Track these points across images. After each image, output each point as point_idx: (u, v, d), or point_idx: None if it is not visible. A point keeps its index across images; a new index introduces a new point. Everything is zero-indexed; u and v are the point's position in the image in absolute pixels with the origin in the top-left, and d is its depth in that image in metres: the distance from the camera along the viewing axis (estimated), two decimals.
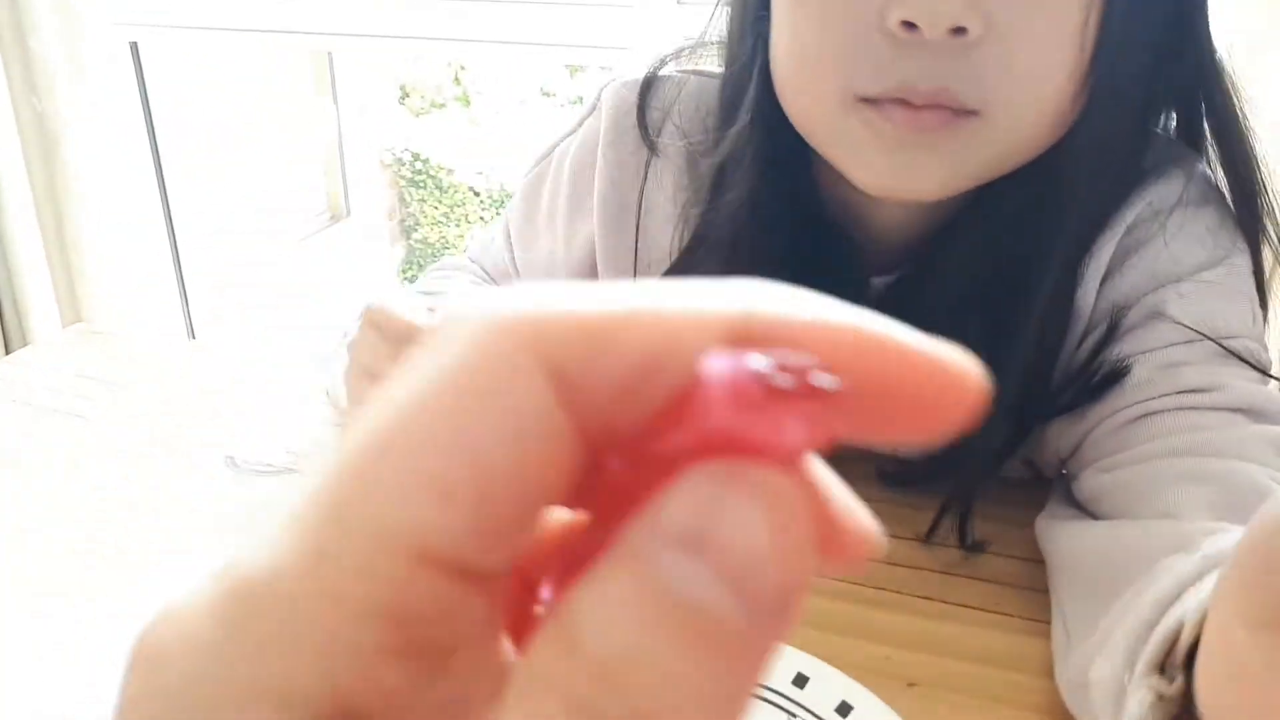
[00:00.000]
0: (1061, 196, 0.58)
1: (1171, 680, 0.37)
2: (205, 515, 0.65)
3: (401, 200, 3.23)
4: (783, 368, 0.14)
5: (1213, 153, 0.61)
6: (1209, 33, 0.58)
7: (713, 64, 0.71)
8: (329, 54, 2.58)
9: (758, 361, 0.14)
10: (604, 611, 0.13)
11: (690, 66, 0.72)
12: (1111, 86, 0.54)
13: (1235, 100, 0.59)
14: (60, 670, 0.52)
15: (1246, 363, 0.55)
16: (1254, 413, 0.52)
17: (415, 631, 0.13)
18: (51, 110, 1.60)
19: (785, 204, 0.63)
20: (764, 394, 0.14)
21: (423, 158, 3.08)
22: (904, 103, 0.53)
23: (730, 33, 0.65)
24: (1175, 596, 0.40)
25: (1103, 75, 0.54)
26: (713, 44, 0.70)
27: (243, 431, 0.74)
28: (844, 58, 0.53)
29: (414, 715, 0.14)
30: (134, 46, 1.74)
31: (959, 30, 0.50)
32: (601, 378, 0.14)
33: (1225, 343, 0.55)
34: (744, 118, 0.63)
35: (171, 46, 1.83)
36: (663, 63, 0.72)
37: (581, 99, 0.84)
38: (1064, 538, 0.56)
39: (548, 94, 2.56)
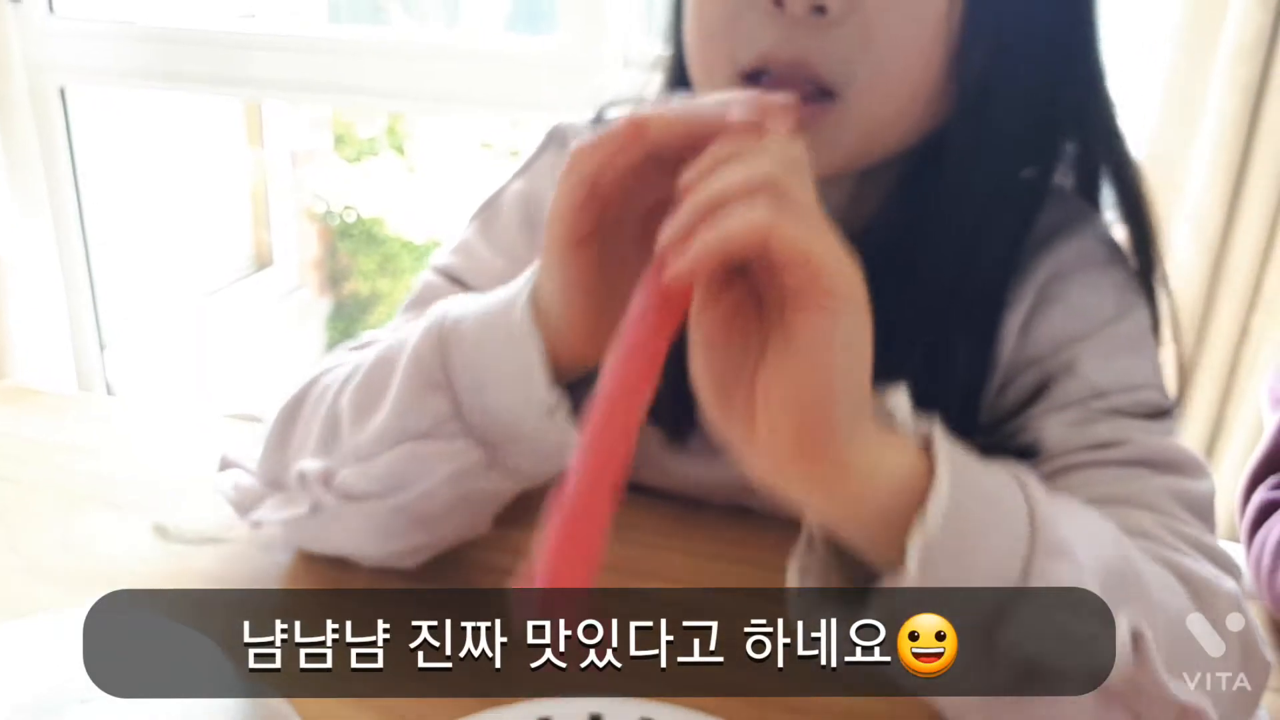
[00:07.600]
0: (954, 204, 0.60)
1: None
2: (133, 580, 0.63)
3: (331, 252, 3.19)
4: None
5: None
6: (1099, 64, 0.61)
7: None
8: (259, 105, 2.55)
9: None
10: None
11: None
12: (984, 87, 0.57)
13: (1126, 147, 0.63)
14: None
15: (1152, 415, 0.59)
16: (1156, 465, 0.57)
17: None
18: None
19: None
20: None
21: (354, 209, 3.05)
22: (775, 85, 0.55)
23: (668, 23, 0.67)
24: None
25: (970, 71, 0.57)
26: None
27: (172, 496, 0.72)
28: (726, 31, 0.57)
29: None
30: (62, 93, 1.70)
31: (819, 9, 0.54)
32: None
33: (1132, 395, 0.59)
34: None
35: (100, 95, 1.80)
36: (608, 106, 0.74)
37: (519, 153, 0.84)
38: None
39: (487, 145, 2.57)
